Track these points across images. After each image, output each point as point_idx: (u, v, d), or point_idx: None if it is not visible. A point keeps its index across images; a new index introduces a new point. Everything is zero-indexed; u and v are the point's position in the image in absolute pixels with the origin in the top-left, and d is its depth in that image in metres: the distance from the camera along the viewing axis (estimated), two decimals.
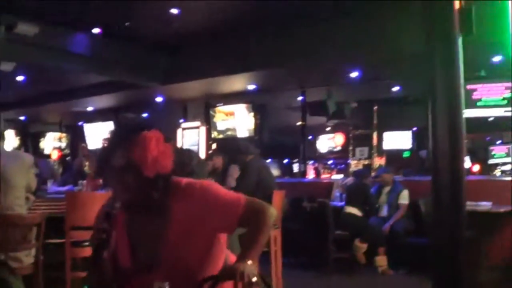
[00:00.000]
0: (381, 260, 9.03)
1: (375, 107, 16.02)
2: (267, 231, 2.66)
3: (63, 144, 20.50)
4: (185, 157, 5.35)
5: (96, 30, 11.59)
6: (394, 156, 16.43)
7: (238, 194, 2.71)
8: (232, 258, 2.73)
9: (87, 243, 4.06)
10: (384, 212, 9.67)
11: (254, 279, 2.33)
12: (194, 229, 2.58)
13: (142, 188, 2.54)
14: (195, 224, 2.58)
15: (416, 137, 16.63)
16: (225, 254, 2.78)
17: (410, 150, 16.94)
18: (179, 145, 13.97)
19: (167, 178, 2.60)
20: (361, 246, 9.20)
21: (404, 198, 9.50)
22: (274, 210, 2.71)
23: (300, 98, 14.09)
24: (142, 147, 2.47)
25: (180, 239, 2.57)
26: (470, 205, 5.40)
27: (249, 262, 2.43)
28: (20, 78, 13.48)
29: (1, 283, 1.81)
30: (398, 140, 16.89)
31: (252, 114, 14.48)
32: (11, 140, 18.16)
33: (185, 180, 2.68)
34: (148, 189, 2.55)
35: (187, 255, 2.57)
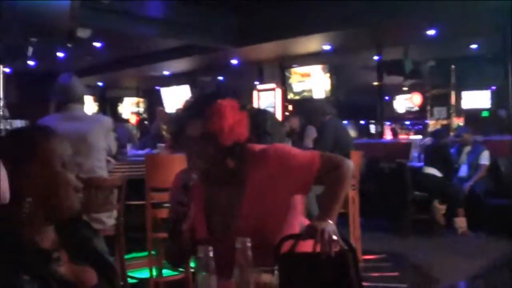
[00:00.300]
0: (461, 222, 8.89)
1: (453, 66, 15.70)
2: (346, 184, 2.63)
3: (141, 109, 20.83)
4: (260, 118, 5.33)
5: None
6: (472, 116, 16.08)
7: (313, 152, 2.69)
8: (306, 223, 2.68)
9: (167, 204, 4.11)
10: (463, 172, 9.51)
11: (335, 237, 2.31)
12: (270, 194, 2.58)
13: (219, 157, 2.55)
14: (271, 190, 2.58)
15: (495, 96, 16.21)
16: (300, 220, 2.74)
17: (489, 109, 16.54)
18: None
19: (243, 146, 2.60)
20: (440, 208, 9.07)
21: (485, 158, 9.31)
22: (351, 162, 2.68)
23: (376, 57, 13.90)
24: (218, 116, 2.48)
25: (256, 206, 2.57)
26: None
27: (329, 221, 2.41)
28: (97, 44, 13.69)
29: (86, 243, 1.84)
30: (477, 99, 16.50)
31: (327, 75, 14.38)
32: (90, 106, 18.49)
33: (259, 147, 2.68)
34: (225, 158, 2.56)
35: (264, 221, 2.57)
